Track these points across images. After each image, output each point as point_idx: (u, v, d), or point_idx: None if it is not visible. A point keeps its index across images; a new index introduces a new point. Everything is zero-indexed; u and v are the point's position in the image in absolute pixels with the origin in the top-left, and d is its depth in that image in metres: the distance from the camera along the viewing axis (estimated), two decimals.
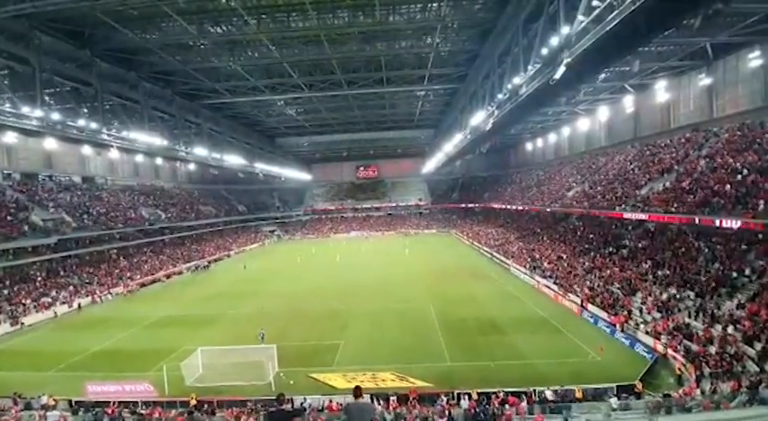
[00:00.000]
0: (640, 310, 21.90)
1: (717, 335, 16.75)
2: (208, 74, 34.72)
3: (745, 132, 24.68)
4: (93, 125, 28.74)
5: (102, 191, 50.64)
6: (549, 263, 35.59)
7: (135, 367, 19.80)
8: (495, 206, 68.74)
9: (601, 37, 13.95)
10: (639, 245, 28.67)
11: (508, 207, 61.46)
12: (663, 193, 26.54)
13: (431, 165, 71.00)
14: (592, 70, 20.44)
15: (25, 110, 23.99)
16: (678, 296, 20.97)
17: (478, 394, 14.93)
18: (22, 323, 28.20)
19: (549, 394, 15.04)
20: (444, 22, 26.39)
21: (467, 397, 14.91)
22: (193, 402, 15.52)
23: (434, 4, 24.74)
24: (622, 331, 21.06)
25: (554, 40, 16.81)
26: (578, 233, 38.86)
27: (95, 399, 16.32)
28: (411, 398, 15.10)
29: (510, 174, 77.14)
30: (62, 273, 37.23)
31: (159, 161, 57.68)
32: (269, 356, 18.36)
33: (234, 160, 51.62)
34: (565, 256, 35.16)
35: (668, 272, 23.33)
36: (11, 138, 29.34)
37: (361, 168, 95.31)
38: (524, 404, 14.02)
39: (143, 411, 14.98)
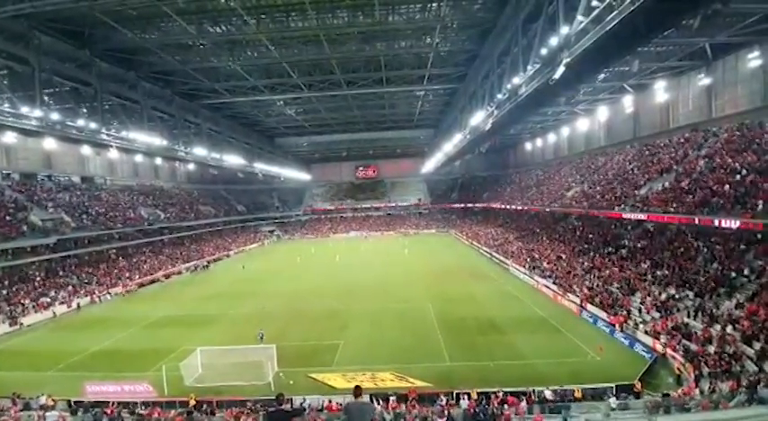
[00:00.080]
0: (639, 310, 21.94)
1: (716, 335, 16.78)
2: (207, 74, 34.70)
3: (744, 132, 24.70)
4: (93, 125, 28.72)
5: (101, 191, 50.58)
6: (548, 263, 35.61)
7: (134, 367, 19.79)
8: (495, 206, 68.79)
9: (600, 37, 13.96)
10: (638, 245, 28.69)
11: (507, 207, 61.50)
12: (662, 193, 26.57)
13: (430, 165, 71.01)
14: (591, 70, 20.45)
15: (24, 110, 23.98)
16: (677, 296, 21.00)
17: (478, 394, 14.94)
18: (21, 323, 28.17)
19: (548, 394, 15.06)
20: (444, 21, 26.40)
21: (466, 397, 14.92)
22: (193, 402, 15.52)
23: (434, 4, 24.73)
24: (621, 331, 21.09)
25: (553, 41, 16.83)
26: (577, 233, 38.89)
27: (94, 400, 16.29)
28: (410, 398, 15.10)
29: (509, 174, 77.20)
30: (61, 273, 37.19)
31: (158, 161, 57.80)
32: (268, 356, 18.35)
33: (233, 160, 51.60)
34: (564, 256, 35.19)
35: (667, 272, 23.36)
36: (10, 138, 29.31)
37: (361, 168, 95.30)
38: (524, 404, 14.03)
39: (142, 411, 14.97)
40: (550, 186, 51.01)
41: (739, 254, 20.62)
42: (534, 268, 35.80)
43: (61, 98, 31.36)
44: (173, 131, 39.81)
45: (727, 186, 21.54)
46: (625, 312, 22.21)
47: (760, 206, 18.65)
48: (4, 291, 31.09)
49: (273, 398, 6.30)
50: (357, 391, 5.62)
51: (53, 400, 15.75)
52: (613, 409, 13.05)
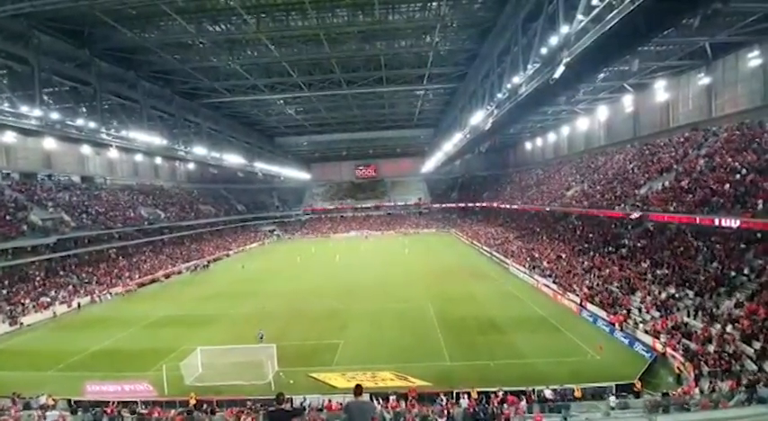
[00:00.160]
0: (639, 309, 21.95)
1: (715, 334, 16.80)
2: (207, 73, 34.68)
3: (744, 132, 24.70)
4: (92, 124, 28.71)
5: (101, 190, 50.57)
6: (548, 262, 35.62)
7: (134, 367, 19.79)
8: (495, 205, 68.81)
9: (600, 36, 13.97)
10: (638, 244, 28.70)
11: (507, 206, 61.53)
12: (662, 193, 26.57)
13: (430, 164, 71.03)
14: (591, 70, 20.47)
15: (24, 109, 23.98)
16: (677, 295, 21.01)
17: (478, 393, 14.95)
18: (21, 323, 28.17)
19: (548, 393, 15.06)
20: (444, 21, 26.37)
21: (466, 396, 14.93)
22: (193, 402, 15.53)
23: (434, 4, 24.72)
24: (621, 330, 21.10)
25: (553, 40, 16.83)
26: (577, 232, 38.90)
27: (94, 399, 16.30)
28: (410, 398, 15.12)
29: (509, 174, 77.21)
30: (61, 272, 37.18)
31: (158, 160, 57.78)
32: (268, 356, 18.37)
33: (233, 159, 51.60)
34: (564, 256, 35.20)
35: (667, 271, 23.37)
36: (10, 137, 29.32)
37: (361, 168, 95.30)
38: (523, 403, 14.04)
39: (142, 411, 14.98)
40: (550, 186, 51.01)
41: (739, 253, 20.63)
42: (534, 267, 35.82)
43: (61, 97, 31.35)
44: (172, 131, 39.80)
45: (727, 185, 21.55)
46: (625, 311, 22.22)
47: (760, 205, 18.65)
48: (4, 291, 31.08)
49: (273, 397, 6.29)
50: (357, 391, 5.63)
51: (53, 400, 15.75)
52: (613, 408, 13.07)
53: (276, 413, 6.15)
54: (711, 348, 16.21)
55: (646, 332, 19.90)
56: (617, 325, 21.46)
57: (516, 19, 21.95)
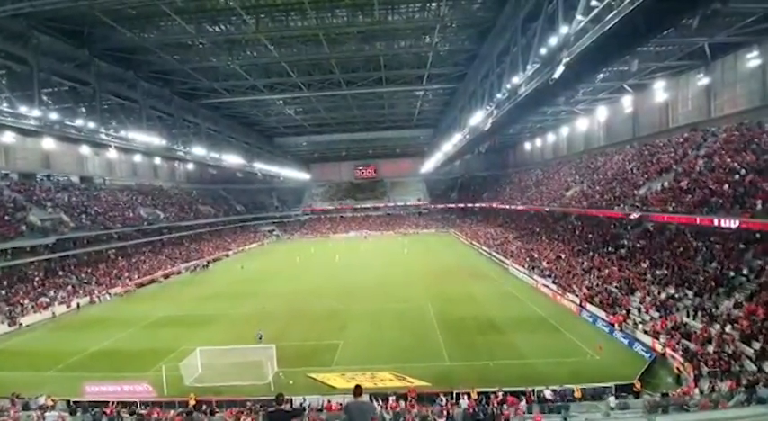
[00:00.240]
0: (639, 310, 21.96)
1: (715, 335, 16.81)
2: (206, 73, 34.66)
3: (744, 132, 24.72)
4: (92, 125, 28.68)
5: (100, 190, 50.51)
6: (547, 262, 35.64)
7: (133, 367, 19.76)
8: (494, 206, 68.80)
9: (599, 37, 13.97)
10: (638, 244, 28.72)
11: (507, 207, 61.52)
12: (661, 193, 26.60)
13: (430, 164, 71.01)
14: (590, 70, 20.47)
15: (23, 109, 23.95)
16: (676, 295, 21.03)
17: (478, 394, 14.95)
18: (20, 323, 28.11)
19: (548, 393, 15.06)
20: (443, 21, 26.38)
21: (466, 396, 14.93)
22: (192, 402, 15.51)
23: (433, 4, 24.73)
24: (621, 330, 21.12)
25: (553, 40, 16.83)
26: (577, 233, 38.93)
27: (94, 400, 16.27)
28: (410, 398, 15.11)
29: (509, 174, 77.23)
30: (60, 273, 37.13)
31: (158, 161, 57.77)
32: (268, 356, 18.35)
33: (232, 160, 51.58)
34: (563, 256, 35.22)
35: (666, 271, 23.39)
36: (9, 137, 29.21)
37: (360, 168, 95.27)
38: (523, 403, 14.04)
39: (142, 411, 14.95)
40: (550, 186, 51.04)
41: (738, 253, 20.65)
42: (534, 268, 35.83)
43: (60, 98, 31.30)
44: (172, 131, 39.77)
45: (726, 186, 21.57)
46: (624, 312, 22.23)
47: (759, 206, 18.68)
48: (3, 292, 31.02)
49: (273, 398, 6.29)
50: (357, 391, 5.62)
51: (52, 400, 15.71)
52: (613, 409, 13.05)
53: (276, 413, 6.14)
54: (711, 348, 16.23)
55: (645, 332, 19.91)
56: (616, 325, 21.48)
57: (516, 19, 21.96)
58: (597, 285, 26.69)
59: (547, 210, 46.11)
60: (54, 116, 26.52)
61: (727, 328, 16.81)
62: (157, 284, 42.33)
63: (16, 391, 15.97)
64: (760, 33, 22.91)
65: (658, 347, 18.46)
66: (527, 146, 71.80)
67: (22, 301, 30.48)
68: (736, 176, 21.78)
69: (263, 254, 64.39)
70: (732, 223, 19.16)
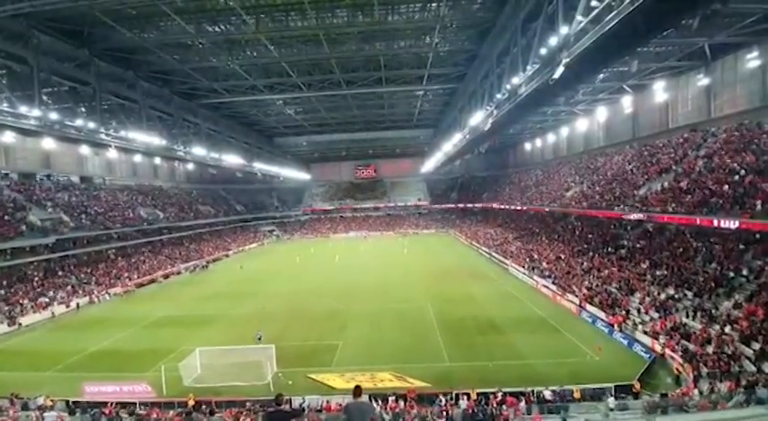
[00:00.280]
0: (638, 310, 21.96)
1: (714, 335, 16.81)
2: (206, 73, 34.65)
3: (743, 133, 24.72)
4: (92, 125, 28.66)
5: (100, 190, 50.50)
6: (547, 263, 35.64)
7: (133, 367, 19.76)
8: (494, 206, 68.80)
9: (599, 37, 13.96)
10: (638, 245, 28.73)
11: (507, 207, 61.52)
12: (661, 194, 26.60)
13: (430, 164, 71.01)
14: (590, 70, 20.47)
15: (23, 109, 23.93)
16: (676, 296, 21.03)
17: (477, 394, 14.94)
18: (20, 323, 28.10)
19: (547, 394, 15.06)
20: (443, 21, 26.37)
21: (465, 397, 14.92)
22: (192, 403, 15.49)
23: (433, 4, 24.71)
24: (620, 331, 21.11)
25: (553, 41, 16.83)
26: (577, 233, 38.93)
27: (93, 400, 16.27)
28: (409, 399, 15.10)
29: (509, 174, 77.22)
30: (60, 273, 37.12)
31: (157, 161, 57.77)
32: (268, 356, 18.35)
33: (232, 160, 51.56)
34: (563, 256, 35.22)
35: (666, 272, 23.40)
36: (9, 137, 29.18)
37: (360, 168, 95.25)
38: (522, 404, 14.03)
39: (141, 412, 14.95)
40: (550, 186, 51.04)
41: (738, 254, 20.65)
42: (533, 268, 35.83)
43: (60, 98, 31.29)
44: (171, 131, 39.73)
45: (725, 186, 21.56)
46: (624, 312, 22.23)
47: (759, 206, 18.68)
48: (3, 291, 31.01)
49: (273, 398, 6.29)
50: (357, 391, 5.62)
51: (51, 401, 15.70)
52: (612, 410, 13.04)
53: (275, 414, 6.15)
54: (710, 349, 16.22)
55: (645, 333, 19.92)
56: (616, 326, 21.47)
57: (516, 20, 21.95)
58: (597, 286, 26.69)
59: (547, 210, 46.11)
60: (54, 116, 26.51)
61: (727, 329, 16.82)
62: (157, 284, 42.32)
63: (15, 391, 15.96)
64: (760, 34, 22.89)
65: (658, 348, 18.46)
66: (527, 146, 71.79)
67: (21, 301, 30.47)
68: (736, 177, 21.78)
69: (262, 254, 64.38)
70: (732, 224, 19.16)
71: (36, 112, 24.17)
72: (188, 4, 22.69)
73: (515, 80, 21.87)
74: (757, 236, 19.71)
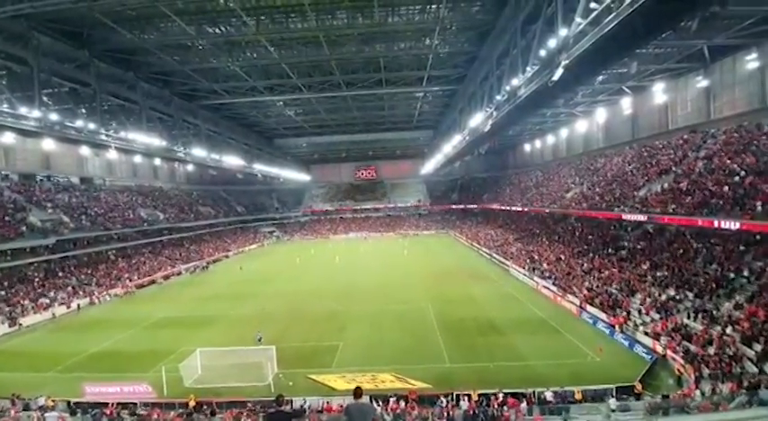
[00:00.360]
0: (639, 311, 21.95)
1: (716, 336, 16.80)
2: (206, 74, 34.69)
3: (743, 134, 24.75)
4: (92, 126, 28.69)
5: (100, 191, 50.51)
6: (548, 264, 35.64)
7: (134, 368, 19.75)
8: (494, 207, 68.84)
9: (598, 39, 13.98)
10: (638, 246, 28.74)
11: (507, 208, 61.54)
12: (661, 195, 26.63)
13: (430, 166, 71.07)
14: (590, 72, 20.50)
15: (23, 110, 23.94)
16: (677, 297, 21.03)
17: (478, 395, 14.93)
18: (20, 324, 28.09)
19: (548, 395, 15.05)
20: (443, 23, 26.41)
21: (466, 398, 14.92)
22: (192, 403, 15.50)
23: (433, 6, 24.74)
24: (621, 332, 21.10)
25: (552, 42, 16.87)
26: (577, 234, 38.94)
27: (94, 400, 16.27)
28: (410, 400, 15.10)
29: (509, 176, 77.26)
30: (60, 273, 37.10)
31: (158, 162, 57.81)
32: (268, 357, 18.34)
33: (232, 161, 51.58)
34: (564, 257, 35.23)
35: (667, 273, 23.40)
36: (9, 138, 29.26)
37: (360, 169, 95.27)
38: (524, 405, 14.03)
39: (142, 412, 14.95)
40: (550, 187, 51.07)
41: (738, 255, 20.67)
42: (534, 269, 35.83)
43: (60, 99, 31.28)
44: (172, 132, 39.75)
45: (725, 187, 21.59)
46: (625, 313, 22.22)
47: (759, 207, 18.70)
48: (4, 292, 30.99)
49: (273, 399, 6.30)
50: (357, 392, 5.62)
51: (52, 401, 15.72)
52: (613, 411, 13.04)
53: (276, 415, 6.15)
54: (712, 350, 16.22)
55: (646, 334, 19.90)
56: (617, 327, 21.46)
57: (515, 21, 22.00)
58: (597, 287, 26.69)
59: (547, 211, 46.12)
60: (54, 117, 26.52)
61: (728, 330, 16.82)
62: (157, 285, 42.31)
63: (16, 392, 15.98)
64: (759, 36, 22.95)
65: (659, 349, 18.45)
66: (527, 147, 71.84)
67: (22, 302, 30.46)
68: (736, 178, 21.81)
69: (263, 255, 64.37)
70: (733, 225, 19.18)
71: (36, 113, 24.17)
72: (188, 6, 22.72)
73: (515, 82, 21.91)
74: (758, 237, 19.72)
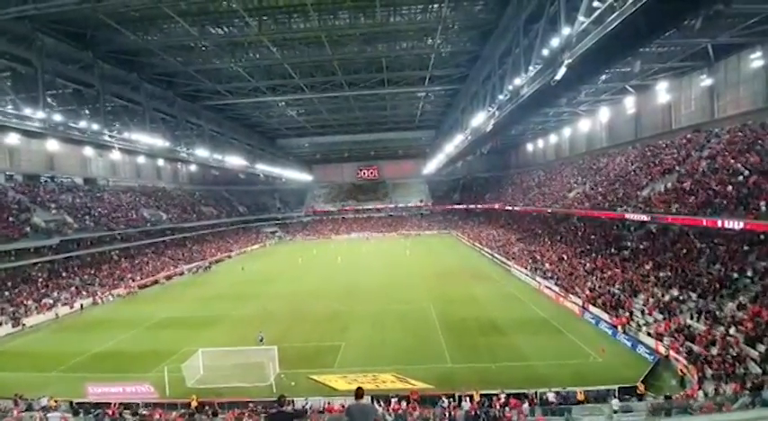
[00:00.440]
0: (642, 312, 21.85)
1: (719, 337, 16.70)
2: (209, 75, 34.78)
3: (747, 133, 24.61)
4: (95, 126, 28.79)
5: (103, 192, 50.75)
6: (550, 264, 35.53)
7: (136, 368, 19.83)
8: (497, 207, 68.75)
9: (602, 38, 13.92)
10: (641, 246, 28.61)
11: (509, 208, 61.43)
12: (664, 194, 26.50)
13: (432, 166, 70.95)
14: (593, 71, 20.41)
15: (27, 111, 24.05)
16: (680, 297, 20.91)
17: (480, 396, 14.90)
18: (24, 324, 28.26)
19: (551, 396, 15.00)
20: (445, 23, 26.36)
21: (468, 398, 14.88)
22: (194, 403, 15.53)
23: (435, 6, 24.72)
24: (624, 332, 21.01)
25: (555, 41, 16.78)
26: (579, 234, 38.81)
27: (96, 401, 16.34)
28: (412, 400, 15.08)
29: (511, 175, 77.13)
30: (64, 274, 37.28)
31: (161, 162, 57.95)
32: (270, 358, 18.38)
33: (235, 161, 51.68)
34: (566, 257, 35.11)
35: (670, 273, 23.29)
36: (13, 139, 29.47)
37: (362, 169, 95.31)
38: (526, 406, 13.98)
39: (144, 412, 14.99)
40: (552, 187, 50.93)
41: (742, 255, 20.54)
42: (536, 269, 35.73)
43: (64, 100, 31.43)
44: (175, 133, 39.89)
45: (729, 187, 21.46)
46: (627, 313, 22.13)
47: (763, 207, 18.58)
48: (7, 292, 31.19)
49: (275, 399, 6.30)
50: (359, 393, 5.61)
51: (55, 401, 15.77)
52: (616, 412, 12.99)
53: (277, 415, 6.16)
54: (715, 351, 16.12)
55: (648, 334, 19.81)
56: (619, 327, 21.38)
57: (518, 20, 21.93)
58: (600, 287, 26.58)
59: (549, 211, 45.99)
60: (58, 118, 26.63)
61: (732, 330, 16.72)
62: (160, 285, 42.46)
63: (19, 392, 16.06)
64: (763, 34, 22.82)
65: (662, 349, 18.36)
66: (529, 147, 71.70)
67: (25, 302, 30.63)
68: (740, 178, 21.68)
69: (265, 255, 64.49)
70: (736, 224, 19.06)
71: (40, 114, 24.29)
72: (191, 7, 22.77)
73: (517, 81, 21.83)
74: (761, 237, 19.59)
